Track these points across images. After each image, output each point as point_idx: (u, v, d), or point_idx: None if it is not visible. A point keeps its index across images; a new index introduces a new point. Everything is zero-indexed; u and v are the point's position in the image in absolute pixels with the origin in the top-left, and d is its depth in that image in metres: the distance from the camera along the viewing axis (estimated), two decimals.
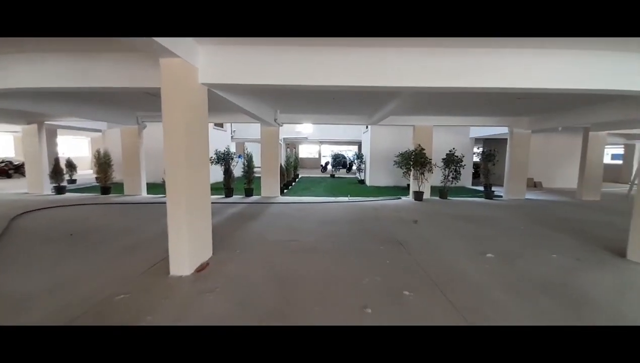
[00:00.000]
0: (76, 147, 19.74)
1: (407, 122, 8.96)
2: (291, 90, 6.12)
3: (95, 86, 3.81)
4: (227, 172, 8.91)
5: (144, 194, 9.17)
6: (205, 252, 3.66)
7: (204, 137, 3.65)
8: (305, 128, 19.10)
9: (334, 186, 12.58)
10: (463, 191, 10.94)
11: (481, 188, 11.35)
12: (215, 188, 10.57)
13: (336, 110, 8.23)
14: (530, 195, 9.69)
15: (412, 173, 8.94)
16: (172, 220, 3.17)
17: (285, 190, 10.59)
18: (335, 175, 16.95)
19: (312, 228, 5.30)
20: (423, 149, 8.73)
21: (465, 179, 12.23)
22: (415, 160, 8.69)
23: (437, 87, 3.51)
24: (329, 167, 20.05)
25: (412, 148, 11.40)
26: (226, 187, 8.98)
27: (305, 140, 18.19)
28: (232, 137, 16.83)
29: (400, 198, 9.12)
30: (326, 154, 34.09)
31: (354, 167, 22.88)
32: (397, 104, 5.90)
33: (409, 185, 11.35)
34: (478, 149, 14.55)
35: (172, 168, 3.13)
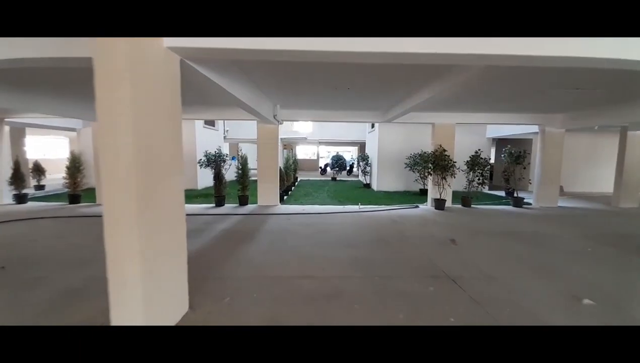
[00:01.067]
0: (56, 148, 18.19)
1: (426, 119, 7.80)
2: (295, 78, 4.92)
3: (11, 58, 2.53)
4: (218, 178, 7.61)
5: None
6: (175, 306, 2.40)
7: (174, 131, 2.39)
8: (303, 127, 17.85)
9: (337, 191, 11.37)
10: (482, 197, 9.82)
11: (500, 193, 10.27)
12: (205, 195, 9.34)
13: (346, 105, 7.03)
14: (561, 202, 8.60)
15: (431, 178, 7.76)
16: (113, 261, 1.92)
17: (284, 196, 9.34)
18: (337, 178, 15.75)
19: (327, 254, 4.07)
20: (445, 150, 7.57)
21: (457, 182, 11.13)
22: (435, 163, 7.52)
23: (519, 56, 2.32)
24: (329, 169, 18.84)
25: (424, 149, 10.35)
26: (217, 194, 7.69)
27: (303, 140, 16.97)
28: (224, 137, 15.50)
29: (417, 206, 7.94)
30: (324, 155, 32.95)
31: (355, 170, 21.73)
32: (440, 89, 4.64)
33: (421, 190, 10.24)
34: (505, 149, 13.49)
35: (111, 176, 1.88)
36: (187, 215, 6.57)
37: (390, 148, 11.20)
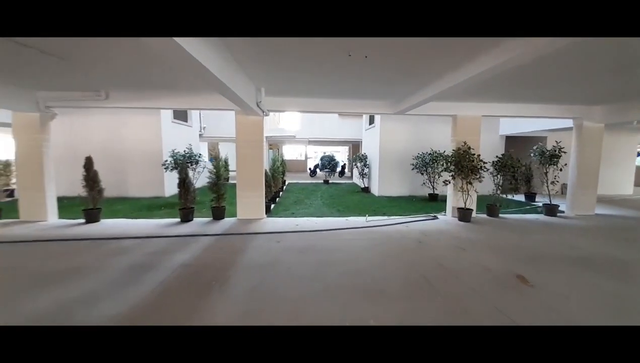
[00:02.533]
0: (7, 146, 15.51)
1: (447, 111, 6.36)
2: (284, 50, 3.31)
3: None
4: (184, 185, 5.82)
5: (51, 219, 5.87)
6: None
7: None
8: (291, 124, 16.16)
9: (333, 197, 9.78)
10: (501, 202, 8.51)
11: (518, 198, 9.02)
12: (173, 205, 7.35)
13: (349, 92, 5.46)
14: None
15: (452, 182, 6.32)
16: None
17: (272, 205, 7.65)
18: (329, 181, 14.18)
19: (344, 315, 2.46)
20: (470, 148, 6.15)
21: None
22: (459, 164, 6.08)
23: None
24: (319, 170, 17.23)
25: (433, 148, 8.96)
26: (182, 206, 5.89)
27: (291, 139, 15.30)
28: (200, 134, 13.56)
29: (436, 217, 6.48)
30: (311, 155, 31.35)
31: (346, 171, 20.25)
32: (481, 71, 3.29)
33: (431, 195, 8.84)
34: (536, 147, 12.31)
35: None
36: (138, 238, 4.57)
37: (393, 147, 9.74)
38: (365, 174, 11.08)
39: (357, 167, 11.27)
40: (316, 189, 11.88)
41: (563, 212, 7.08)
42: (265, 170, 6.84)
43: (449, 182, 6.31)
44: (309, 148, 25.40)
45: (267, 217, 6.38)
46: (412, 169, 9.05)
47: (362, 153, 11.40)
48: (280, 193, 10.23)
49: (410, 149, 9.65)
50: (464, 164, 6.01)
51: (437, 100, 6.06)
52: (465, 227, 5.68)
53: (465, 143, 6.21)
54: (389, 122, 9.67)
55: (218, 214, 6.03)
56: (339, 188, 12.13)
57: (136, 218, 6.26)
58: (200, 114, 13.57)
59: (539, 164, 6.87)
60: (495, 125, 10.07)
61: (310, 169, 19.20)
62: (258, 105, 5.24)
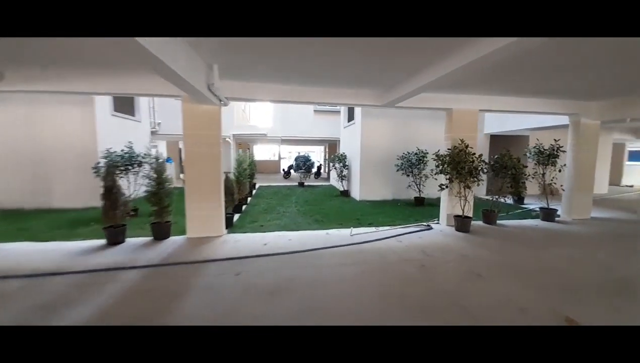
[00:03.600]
0: None
1: (441, 104, 5.48)
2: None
3: None
4: (109, 195, 4.33)
5: None
6: None
7: None
8: (263, 121, 14.75)
9: (309, 202, 8.63)
10: (499, 208, 7.90)
11: (506, 200, 8.47)
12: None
13: (330, 78, 4.33)
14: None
15: (449, 186, 5.46)
16: None
17: (236, 216, 6.33)
18: (305, 183, 13.01)
19: None
20: (468, 146, 5.32)
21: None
22: (456, 165, 5.22)
23: None
24: (293, 171, 15.98)
25: (419, 147, 8.13)
26: (107, 224, 4.40)
27: (263, 137, 13.91)
28: (154, 131, 11.74)
29: (430, 226, 5.57)
30: (285, 155, 29.98)
31: (322, 172, 19.20)
32: (483, 55, 2.42)
33: (417, 198, 8.00)
34: (533, 147, 11.91)
35: None
36: (30, 276, 3.28)
37: (376, 145, 8.80)
38: (344, 176, 10.05)
39: (335, 168, 10.22)
40: (290, 193, 10.65)
41: (559, 216, 6.53)
42: (227, 174, 5.52)
43: (445, 187, 5.42)
44: (283, 148, 24.04)
45: (228, 233, 5.08)
46: (397, 171, 8.17)
47: (341, 153, 10.37)
48: (249, 199, 8.88)
49: (394, 148, 8.77)
50: (462, 164, 5.14)
51: (430, 91, 5.18)
52: (467, 239, 4.81)
53: (462, 141, 5.36)
54: (371, 118, 8.71)
55: (160, 233, 4.63)
56: (315, 192, 10.99)
57: (48, 240, 4.64)
58: (152, 106, 11.74)
59: (535, 164, 6.24)
60: (479, 124, 9.51)
61: (283, 170, 17.88)
62: (210, 90, 3.95)
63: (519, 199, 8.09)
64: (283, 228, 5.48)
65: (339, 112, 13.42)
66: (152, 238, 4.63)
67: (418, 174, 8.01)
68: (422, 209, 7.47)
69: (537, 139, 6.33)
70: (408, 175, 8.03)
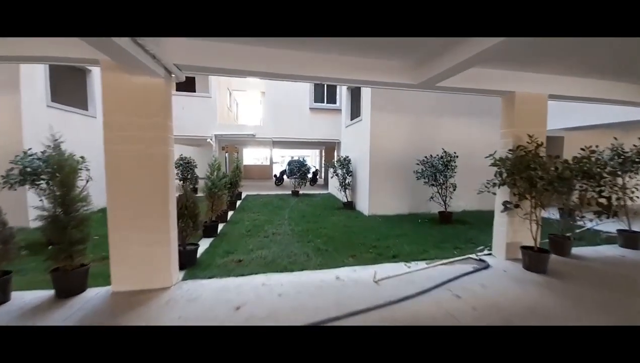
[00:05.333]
0: None
1: (499, 84, 3.82)
2: None
3: None
4: None
5: None
6: None
7: None
8: (251, 120, 12.91)
9: (307, 217, 6.85)
10: (574, 234, 6.24)
11: (548, 214, 6.83)
12: (34, 246, 3.19)
13: (346, 42, 2.61)
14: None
15: (515, 202, 3.76)
16: None
17: (206, 241, 4.52)
18: (300, 192, 11.22)
19: None
20: (542, 145, 3.66)
21: (486, 200, 7.66)
22: (527, 173, 3.54)
23: None
24: (286, 177, 14.17)
25: (445, 149, 6.47)
26: None
27: (250, 138, 12.08)
28: None
29: (485, 263, 3.84)
30: (277, 160, 28.18)
31: (319, 178, 17.45)
32: None
33: (443, 214, 6.30)
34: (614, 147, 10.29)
35: None
36: None
37: (388, 147, 7.10)
38: (348, 184, 8.31)
39: (336, 175, 8.46)
40: (283, 204, 8.85)
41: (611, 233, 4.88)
42: (187, 188, 3.72)
43: (512, 206, 3.71)
44: (275, 151, 22.23)
45: (184, 279, 3.27)
46: (418, 179, 6.47)
47: (344, 156, 8.63)
48: (230, 214, 7.05)
49: (412, 150, 7.09)
50: (537, 173, 3.45)
51: (484, 65, 3.52)
52: (554, 288, 3.11)
53: (532, 137, 3.70)
54: (382, 113, 7.03)
55: (65, 285, 2.79)
56: (313, 203, 9.21)
57: None
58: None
59: (618, 171, 4.61)
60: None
61: (275, 176, 16.07)
62: (145, 49, 2.19)
63: (570, 215, 6.46)
64: (271, 266, 3.69)
65: (338, 110, 11.75)
66: (54, 295, 2.79)
67: (444, 183, 6.33)
68: (452, 229, 5.77)
69: (616, 138, 4.74)
70: (433, 185, 6.33)
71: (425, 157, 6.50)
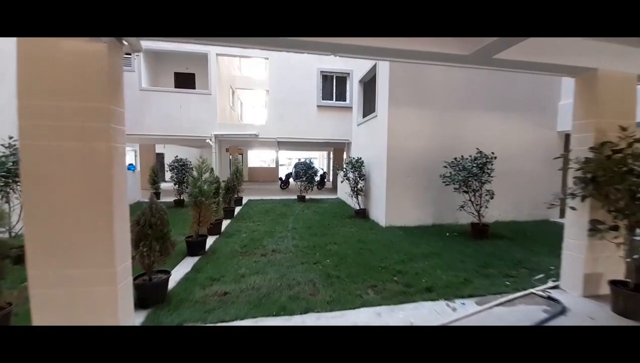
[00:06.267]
0: None
1: (572, 58, 2.81)
2: None
3: None
4: None
5: None
6: None
7: None
8: (255, 120, 12.05)
9: (313, 229, 5.90)
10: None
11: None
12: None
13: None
14: None
15: (607, 219, 2.72)
16: None
17: (189, 262, 3.64)
18: (307, 197, 10.28)
19: None
20: (637, 143, 2.62)
21: (521, 208, 6.53)
22: (619, 177, 2.50)
23: None
24: (292, 180, 13.27)
25: (479, 148, 5.43)
26: None
27: (253, 139, 11.20)
28: None
29: (561, 306, 2.80)
30: (285, 162, 27.38)
31: (327, 182, 16.49)
32: None
33: (477, 227, 5.22)
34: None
35: None
36: None
37: (409, 147, 6.10)
38: (360, 189, 7.32)
39: (347, 179, 7.47)
40: (287, 211, 7.92)
41: None
42: (152, 198, 2.81)
43: (606, 227, 2.64)
44: (282, 153, 21.40)
45: (147, 322, 2.35)
46: (447, 184, 5.44)
47: (355, 157, 7.65)
48: (225, 224, 6.16)
49: (437, 150, 6.08)
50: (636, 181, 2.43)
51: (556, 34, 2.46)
52: None
53: (624, 131, 2.66)
54: (402, 108, 6.03)
55: None
56: (320, 210, 8.26)
57: None
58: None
59: None
60: (549, 118, 6.81)
61: (281, 179, 15.21)
62: None
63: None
64: (265, 304, 2.74)
65: (348, 107, 10.81)
66: None
67: (478, 190, 5.29)
68: (490, 246, 4.73)
69: None
70: (466, 191, 5.29)
71: (455, 158, 5.47)
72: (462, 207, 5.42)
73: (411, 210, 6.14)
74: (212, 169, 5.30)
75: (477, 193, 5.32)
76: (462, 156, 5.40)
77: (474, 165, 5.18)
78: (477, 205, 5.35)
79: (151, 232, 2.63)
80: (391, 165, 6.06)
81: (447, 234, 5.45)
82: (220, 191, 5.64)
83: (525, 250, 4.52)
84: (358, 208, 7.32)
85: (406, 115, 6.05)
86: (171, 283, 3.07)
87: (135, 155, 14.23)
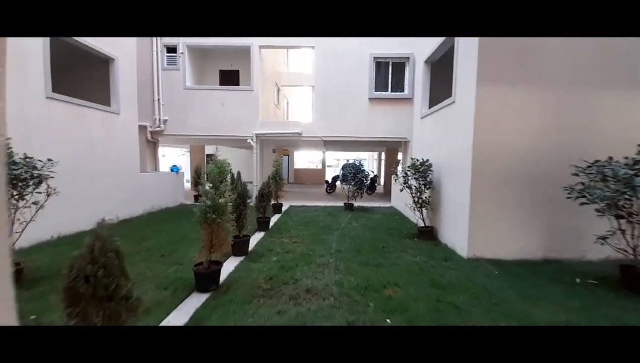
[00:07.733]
0: None
1: None
2: None
3: None
4: None
5: None
6: None
7: None
8: (301, 118, 10.98)
9: (364, 255, 4.46)
10: None
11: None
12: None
13: None
14: None
15: None
16: None
17: (206, 297, 2.55)
18: (355, 204, 8.81)
19: None
20: None
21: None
22: None
23: None
24: (339, 183, 11.92)
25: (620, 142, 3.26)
26: None
27: (297, 138, 10.11)
28: (156, 131, 8.93)
29: None
30: (332, 163, 26.22)
31: (378, 186, 14.73)
32: None
33: (632, 270, 3.17)
34: None
35: None
36: None
37: (506, 143, 4.23)
38: (426, 201, 5.59)
39: (408, 188, 5.79)
40: (332, 223, 6.58)
41: None
42: (101, 234, 1.69)
43: None
44: (329, 154, 20.23)
45: None
46: (575, 198, 3.48)
47: (420, 159, 5.91)
48: (258, 238, 5.08)
49: (551, 149, 4.10)
50: None
51: None
52: None
53: None
54: (499, 88, 4.19)
55: None
56: (372, 223, 6.73)
57: None
58: (158, 99, 8.94)
59: None
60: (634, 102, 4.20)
61: (327, 181, 13.98)
62: None
63: None
64: None
65: (407, 99, 9.03)
66: None
67: (638, 212, 3.21)
68: None
69: None
70: (619, 216, 3.26)
71: (594, 162, 3.46)
72: (605, 238, 3.39)
73: (509, 235, 4.25)
74: (234, 174, 4.23)
75: (634, 218, 3.26)
76: (611, 158, 3.37)
77: (636, 172, 3.14)
78: (634, 236, 3.28)
79: (86, 291, 1.51)
80: (478, 171, 4.26)
81: (578, 281, 3.48)
82: (249, 201, 4.55)
83: None
84: (422, 225, 5.60)
85: (505, 98, 4.19)
86: None
87: (188, 157, 14.42)
